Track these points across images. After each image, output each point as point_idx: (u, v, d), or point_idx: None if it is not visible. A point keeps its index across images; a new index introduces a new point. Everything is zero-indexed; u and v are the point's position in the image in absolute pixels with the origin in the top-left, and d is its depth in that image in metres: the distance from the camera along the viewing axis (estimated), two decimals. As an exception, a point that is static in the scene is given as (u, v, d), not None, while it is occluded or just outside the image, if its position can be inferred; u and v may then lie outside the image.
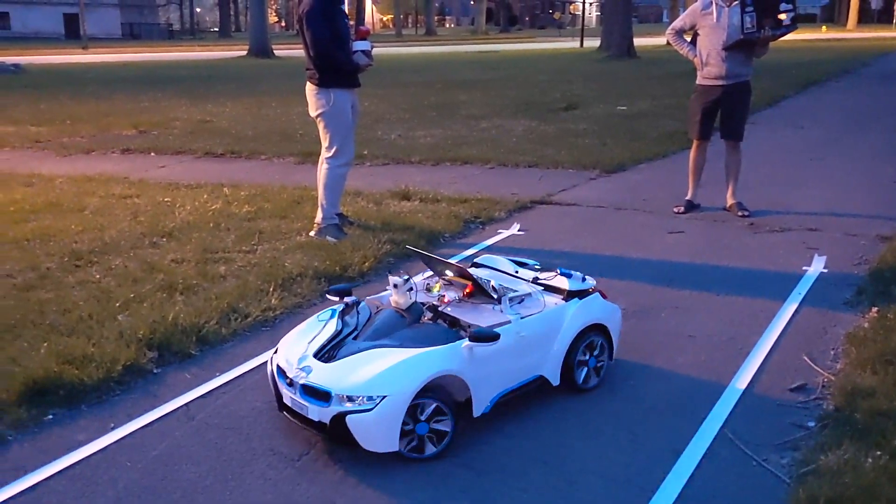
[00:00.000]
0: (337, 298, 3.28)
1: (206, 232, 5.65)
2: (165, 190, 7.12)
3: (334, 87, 5.36)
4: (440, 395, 2.83)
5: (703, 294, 4.52)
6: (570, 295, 3.35)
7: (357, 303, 3.25)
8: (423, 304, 3.21)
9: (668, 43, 6.33)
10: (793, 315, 4.16)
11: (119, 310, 4.10)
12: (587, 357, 3.32)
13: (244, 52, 33.00)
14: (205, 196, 6.81)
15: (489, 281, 3.30)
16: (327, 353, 2.95)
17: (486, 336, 2.88)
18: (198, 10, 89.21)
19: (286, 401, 2.94)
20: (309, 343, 3.02)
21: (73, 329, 3.85)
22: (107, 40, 56.02)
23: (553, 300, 3.32)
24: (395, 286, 3.17)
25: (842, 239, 5.50)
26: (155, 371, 3.57)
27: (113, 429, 3.08)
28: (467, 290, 3.29)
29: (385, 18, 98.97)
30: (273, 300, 4.32)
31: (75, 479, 2.75)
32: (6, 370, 3.37)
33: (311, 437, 2.97)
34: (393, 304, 3.21)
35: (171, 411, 3.23)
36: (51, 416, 3.16)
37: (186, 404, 3.28)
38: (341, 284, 3.43)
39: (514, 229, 5.90)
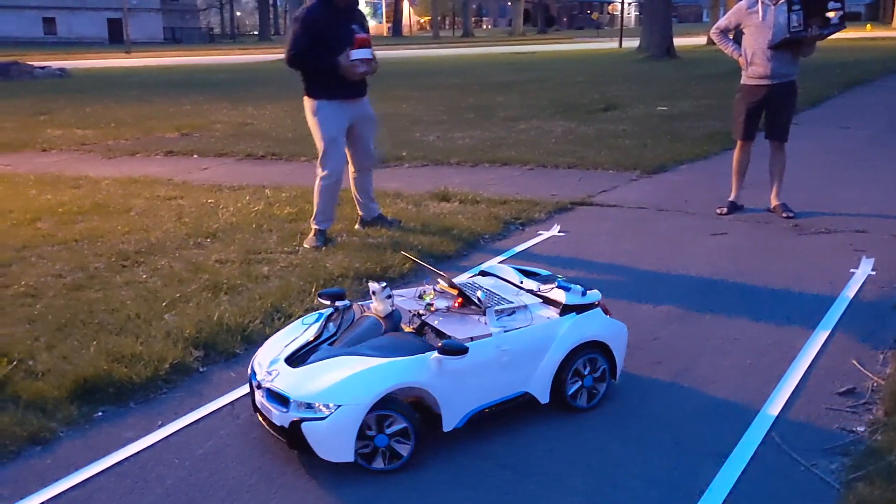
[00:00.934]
0: (328, 302, 3.22)
1: (248, 233, 5.72)
2: (208, 192, 7.22)
3: (321, 98, 5.25)
4: (410, 416, 2.75)
5: (747, 296, 4.46)
6: (566, 309, 3.16)
7: (348, 307, 3.19)
8: (410, 311, 3.12)
9: (713, 42, 6.26)
10: (840, 318, 4.08)
11: (166, 309, 4.17)
12: (585, 374, 3.15)
13: (283, 56, 33.36)
14: (247, 197, 6.89)
15: (475, 292, 3.17)
16: (299, 357, 2.92)
17: (453, 349, 2.76)
18: (238, 13, 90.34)
19: (257, 403, 2.92)
20: (286, 346, 3.00)
21: (121, 328, 3.93)
22: (149, 44, 56.98)
23: (547, 314, 3.15)
24: (374, 293, 3.08)
25: (890, 241, 5.39)
26: (201, 370, 3.62)
27: (160, 426, 3.14)
28: (458, 301, 3.18)
29: (422, 20, 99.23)
30: (315, 301, 4.36)
31: (124, 476, 2.81)
32: (58, 368, 3.45)
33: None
34: (373, 311, 3.12)
35: (217, 409, 3.27)
36: (100, 414, 3.22)
37: (231, 403, 3.32)
38: (334, 288, 3.37)
39: (555, 231, 5.88)
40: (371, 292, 3.10)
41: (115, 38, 58.10)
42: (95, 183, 7.78)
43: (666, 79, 18.29)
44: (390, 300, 3.10)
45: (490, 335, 2.95)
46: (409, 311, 3.12)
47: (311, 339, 3.04)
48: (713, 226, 5.92)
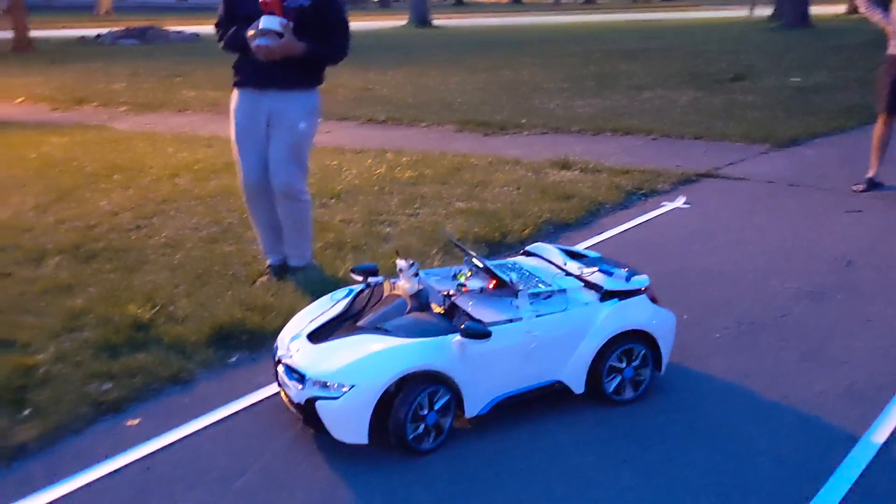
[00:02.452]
0: (360, 278, 3.10)
1: (371, 195, 5.85)
2: (332, 154, 7.41)
3: (234, 85, 4.02)
4: (454, 387, 2.67)
5: (883, 276, 4.24)
6: (607, 295, 2.96)
7: (379, 284, 3.08)
8: (442, 291, 2.95)
9: (854, 10, 5.93)
10: None
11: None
12: (623, 366, 2.97)
13: (404, 22, 33.58)
14: (369, 161, 7.04)
15: (510, 274, 3.02)
16: (322, 333, 2.84)
17: (476, 333, 2.63)
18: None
19: (279, 378, 2.86)
20: (310, 321, 2.92)
21: (253, 280, 4.12)
22: (275, 10, 58.43)
23: (586, 299, 2.95)
24: (401, 270, 2.95)
25: None
26: (326, 323, 3.75)
27: (289, 374, 3.28)
28: (493, 282, 3.00)
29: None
30: (435, 262, 4.43)
31: (257, 416, 2.96)
32: (196, 314, 3.66)
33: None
34: (400, 290, 2.99)
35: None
36: (234, 359, 3.40)
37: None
38: (367, 264, 3.19)
39: (679, 202, 5.74)
40: (398, 270, 2.96)
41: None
42: (226, 143, 7.97)
43: (800, 48, 17.39)
44: (417, 278, 2.96)
45: (520, 319, 2.79)
46: (441, 292, 2.95)
47: (336, 315, 2.94)
48: (848, 203, 5.64)
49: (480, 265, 3.04)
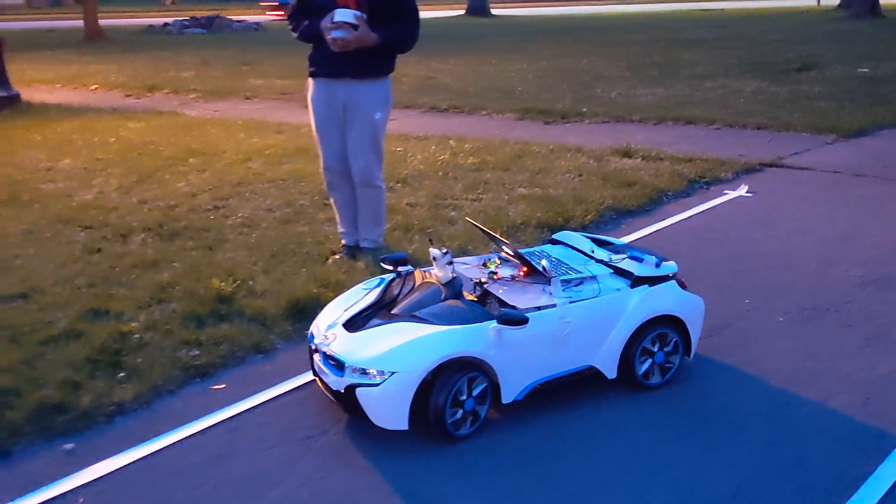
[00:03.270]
0: (391, 267, 3.13)
1: (435, 180, 6.01)
2: (397, 140, 7.58)
3: (310, 76, 4.19)
4: (491, 374, 2.71)
5: (952, 267, 4.23)
6: (638, 281, 2.99)
7: (410, 273, 3.10)
8: (473, 280, 2.99)
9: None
10: None
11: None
12: (654, 351, 3.01)
13: (462, 11, 33.67)
14: (433, 147, 7.19)
15: (541, 261, 3.02)
16: (357, 322, 2.87)
17: (513, 319, 2.65)
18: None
19: (315, 367, 2.91)
20: (345, 310, 2.94)
21: (326, 258, 4.30)
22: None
23: (617, 285, 2.98)
24: (435, 259, 2.95)
25: None
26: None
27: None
28: (524, 270, 3.03)
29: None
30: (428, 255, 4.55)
31: (334, 386, 3.13)
32: (274, 289, 3.85)
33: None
34: (434, 278, 2.99)
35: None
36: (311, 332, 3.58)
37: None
38: (397, 254, 3.23)
39: (742, 191, 5.76)
40: (432, 258, 2.96)
41: (305, -7, 60.62)
42: (296, 129, 8.34)
43: (869, 39, 16.98)
44: (451, 267, 2.97)
45: (554, 306, 2.82)
46: (472, 280, 2.99)
47: (371, 303, 2.97)
48: (917, 193, 5.59)
49: (511, 253, 3.07)
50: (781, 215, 5.19)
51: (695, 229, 5.00)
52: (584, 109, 9.05)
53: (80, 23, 23.75)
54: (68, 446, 2.72)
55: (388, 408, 2.63)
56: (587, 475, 2.53)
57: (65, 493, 2.48)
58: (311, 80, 4.15)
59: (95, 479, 2.55)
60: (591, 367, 2.92)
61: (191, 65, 15.32)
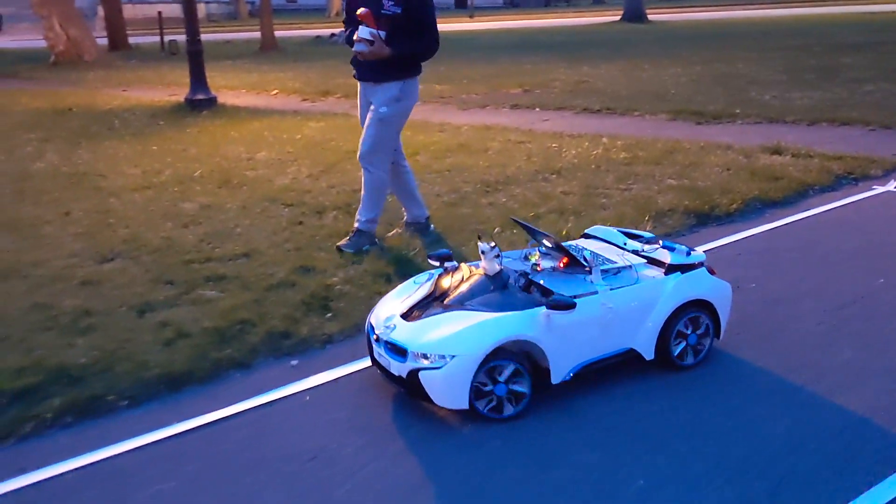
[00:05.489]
0: (437, 263, 3.37)
1: (588, 172, 6.51)
2: (552, 138, 8.12)
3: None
4: (518, 357, 2.93)
5: None
6: (671, 269, 3.23)
7: (455, 268, 3.32)
8: (517, 271, 3.20)
9: None
10: None
11: (523, 224, 5.10)
12: (688, 333, 3.24)
13: (617, 18, 33.69)
14: (586, 144, 7.68)
15: (582, 252, 3.31)
16: (414, 313, 3.10)
17: (562, 304, 2.88)
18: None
19: (375, 355, 3.14)
20: (401, 303, 3.20)
21: (491, 235, 4.91)
22: (490, 9, 60.19)
23: (652, 273, 3.23)
24: (483, 252, 3.17)
25: None
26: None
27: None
28: (564, 261, 3.26)
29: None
30: (646, 228, 5.01)
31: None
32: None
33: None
34: (482, 271, 3.20)
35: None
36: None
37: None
38: (442, 250, 3.46)
39: (890, 186, 5.91)
40: (480, 252, 3.18)
41: (460, 3, 62.20)
42: (456, 128, 9.05)
43: None
44: (499, 259, 3.17)
45: (597, 293, 3.07)
46: (516, 272, 3.20)
47: (423, 296, 3.19)
48: None
49: (552, 245, 3.32)
50: (928, 209, 5.34)
51: (837, 220, 5.25)
52: (737, 111, 9.25)
53: (254, 34, 25.74)
54: (293, 362, 3.46)
55: (450, 389, 2.86)
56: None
57: (293, 394, 3.21)
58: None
59: (316, 386, 3.27)
60: (631, 350, 3.16)
61: (357, 72, 16.46)
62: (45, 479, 2.68)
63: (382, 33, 4.49)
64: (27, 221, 5.66)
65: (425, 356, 2.88)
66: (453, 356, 2.83)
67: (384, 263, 4.42)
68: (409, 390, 2.98)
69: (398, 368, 2.97)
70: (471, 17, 46.31)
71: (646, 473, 2.59)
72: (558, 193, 5.86)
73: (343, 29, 4.81)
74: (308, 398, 3.18)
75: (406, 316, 3.08)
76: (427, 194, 5.99)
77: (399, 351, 2.96)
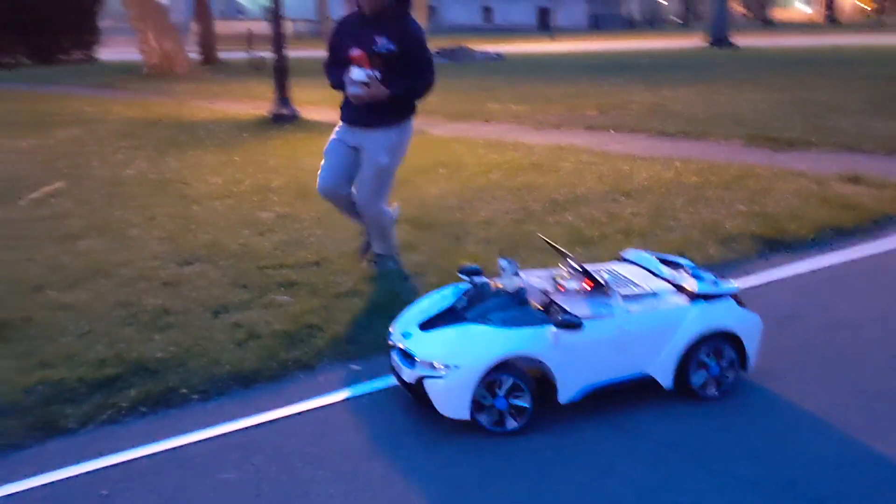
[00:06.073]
0: (466, 278, 3.40)
1: (658, 195, 6.52)
2: (624, 160, 8.14)
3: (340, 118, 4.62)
4: (518, 372, 2.96)
5: None
6: (696, 297, 3.19)
7: (484, 283, 3.35)
8: (541, 290, 3.24)
9: None
10: None
11: (586, 243, 5.16)
12: (710, 364, 3.19)
13: (703, 43, 33.31)
14: (658, 167, 7.67)
15: (602, 274, 3.29)
16: (431, 323, 3.18)
17: (568, 323, 2.93)
18: (660, 0, 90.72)
19: (392, 362, 3.25)
20: (421, 312, 3.29)
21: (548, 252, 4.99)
22: (572, 31, 60.23)
23: (676, 301, 3.20)
24: (503, 269, 3.26)
25: None
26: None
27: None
28: (589, 284, 3.27)
29: (866, 5, 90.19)
30: (711, 251, 5.01)
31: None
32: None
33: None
34: (501, 287, 3.27)
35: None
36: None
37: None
38: (472, 266, 3.47)
39: (974, 219, 5.75)
40: (500, 268, 3.27)
41: (543, 25, 62.44)
42: (529, 148, 9.15)
43: None
44: (517, 276, 3.26)
45: (612, 316, 3.07)
46: (540, 290, 3.25)
47: (445, 308, 3.28)
48: None
49: (578, 267, 3.34)
50: None
51: (913, 251, 5.14)
52: (813, 139, 9.08)
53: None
54: (356, 366, 3.61)
55: (451, 398, 2.94)
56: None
57: (354, 397, 3.35)
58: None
59: (376, 391, 3.40)
60: (647, 376, 3.14)
61: (436, 90, 16.68)
62: (120, 463, 2.88)
63: (377, 73, 4.22)
64: (116, 224, 6.00)
65: (432, 365, 2.97)
66: (457, 366, 2.92)
67: (447, 277, 4.54)
68: (417, 397, 3.08)
69: (409, 375, 3.07)
70: (552, 38, 46.42)
71: (691, 490, 2.63)
72: (626, 214, 5.89)
73: (325, 68, 4.49)
74: (366, 401, 3.31)
75: (423, 326, 3.19)
76: (495, 211, 6.12)
77: (410, 358, 3.08)
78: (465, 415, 2.95)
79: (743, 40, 33.37)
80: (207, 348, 3.70)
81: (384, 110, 4.35)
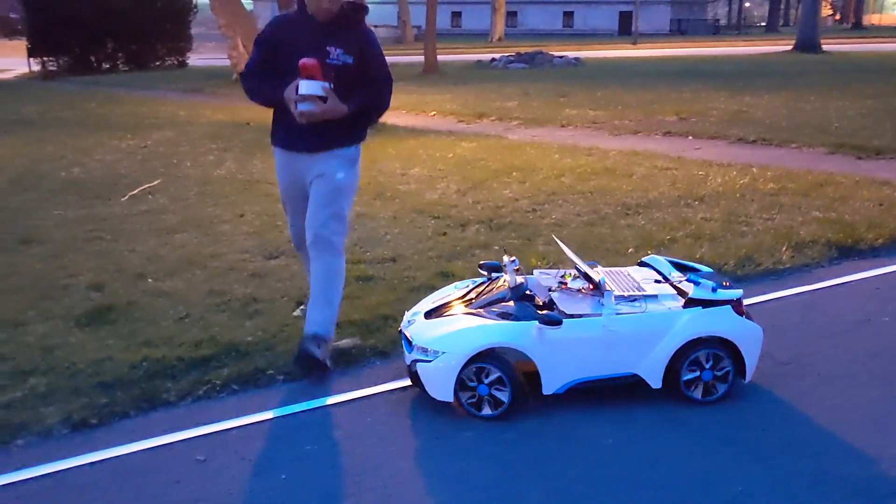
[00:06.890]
0: (485, 273, 3.63)
1: (732, 200, 6.54)
2: (699, 166, 8.15)
3: (273, 144, 3.81)
4: (506, 367, 3.13)
5: None
6: (690, 302, 3.25)
7: (497, 279, 3.55)
8: (546, 287, 3.43)
9: None
10: None
11: (657, 246, 5.25)
12: (705, 367, 3.23)
13: (790, 48, 32.49)
14: (734, 173, 7.67)
15: (597, 273, 3.39)
16: (436, 312, 3.42)
17: (549, 320, 3.09)
18: (747, 4, 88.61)
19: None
20: (432, 303, 3.54)
21: (623, 255, 5.11)
22: (655, 36, 59.32)
23: (669, 305, 3.27)
24: (505, 266, 3.46)
25: None
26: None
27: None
28: (592, 285, 3.38)
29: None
30: (784, 257, 5.05)
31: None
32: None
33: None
34: (506, 283, 3.44)
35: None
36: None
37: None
38: (492, 262, 3.68)
39: None
40: (503, 265, 3.48)
41: (624, 29, 61.82)
42: (604, 153, 9.24)
43: None
44: (518, 273, 3.44)
45: (599, 315, 3.18)
46: (546, 288, 3.44)
47: (453, 299, 3.51)
48: None
49: (579, 270, 3.46)
50: None
51: None
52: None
53: (418, 58, 26.82)
54: (428, 355, 3.81)
55: (437, 381, 3.20)
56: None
57: (426, 383, 3.56)
58: (273, 148, 3.83)
59: (446, 377, 3.60)
60: (634, 375, 3.24)
61: (514, 96, 16.88)
62: (214, 433, 3.16)
63: (331, 85, 3.47)
64: (208, 220, 6.39)
65: (423, 350, 3.23)
66: (444, 352, 3.17)
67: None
68: (412, 379, 3.35)
69: (407, 359, 3.36)
70: (634, 43, 45.92)
71: (745, 481, 2.74)
72: (698, 219, 5.95)
73: (244, 78, 3.68)
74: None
75: (428, 314, 3.43)
76: (567, 213, 6.27)
77: (410, 343, 3.34)
78: (448, 397, 3.20)
79: (833, 45, 32.41)
80: (292, 334, 3.97)
81: (337, 131, 3.60)
